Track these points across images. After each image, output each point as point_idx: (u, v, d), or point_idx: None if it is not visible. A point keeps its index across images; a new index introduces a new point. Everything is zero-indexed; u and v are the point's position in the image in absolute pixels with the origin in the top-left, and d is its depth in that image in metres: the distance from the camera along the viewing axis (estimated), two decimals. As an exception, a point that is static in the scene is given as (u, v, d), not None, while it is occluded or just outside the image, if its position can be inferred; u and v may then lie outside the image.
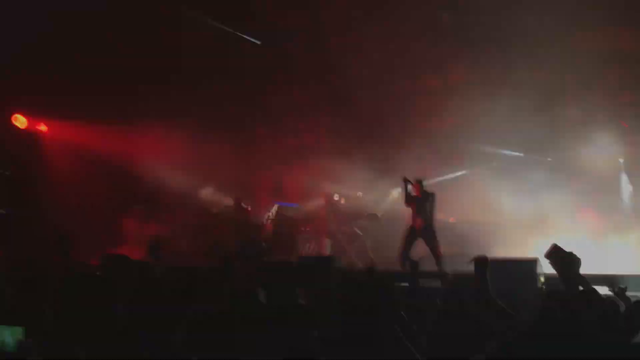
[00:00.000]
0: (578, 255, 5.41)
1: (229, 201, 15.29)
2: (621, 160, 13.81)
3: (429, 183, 11.53)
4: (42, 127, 14.02)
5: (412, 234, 10.22)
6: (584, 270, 5.75)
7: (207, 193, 15.64)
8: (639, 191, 13.60)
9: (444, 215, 12.58)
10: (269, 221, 15.71)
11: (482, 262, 5.14)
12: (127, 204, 14.19)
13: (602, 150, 13.36)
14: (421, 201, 10.24)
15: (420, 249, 10.68)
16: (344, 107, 14.71)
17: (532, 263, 8.09)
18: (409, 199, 10.41)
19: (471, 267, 5.38)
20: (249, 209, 15.10)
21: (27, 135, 13.73)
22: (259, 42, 14.31)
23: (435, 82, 14.16)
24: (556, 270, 5.65)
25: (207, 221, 14.87)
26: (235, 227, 14.41)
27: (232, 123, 14.84)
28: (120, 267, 6.14)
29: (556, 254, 4.79)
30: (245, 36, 14.21)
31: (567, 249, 5.61)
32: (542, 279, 7.70)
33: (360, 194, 15.93)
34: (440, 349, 3.90)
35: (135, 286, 5.91)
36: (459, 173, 15.40)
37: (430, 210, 10.14)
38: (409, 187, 10.39)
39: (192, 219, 14.98)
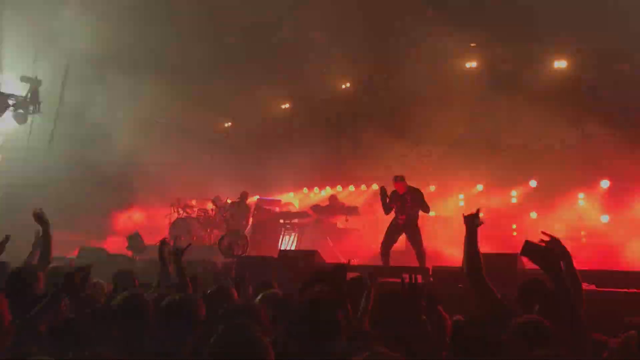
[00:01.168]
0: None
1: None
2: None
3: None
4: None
5: (394, 229, 10.05)
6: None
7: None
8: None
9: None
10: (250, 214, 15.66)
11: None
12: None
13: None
14: (403, 198, 9.99)
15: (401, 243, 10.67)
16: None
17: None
18: (391, 201, 10.08)
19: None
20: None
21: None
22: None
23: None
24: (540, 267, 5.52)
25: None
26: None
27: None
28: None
29: (529, 251, 4.47)
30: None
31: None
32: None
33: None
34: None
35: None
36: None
37: (415, 206, 9.93)
38: (392, 190, 10.16)
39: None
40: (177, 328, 3.46)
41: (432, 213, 10.87)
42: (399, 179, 10.09)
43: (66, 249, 11.52)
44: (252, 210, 15.14)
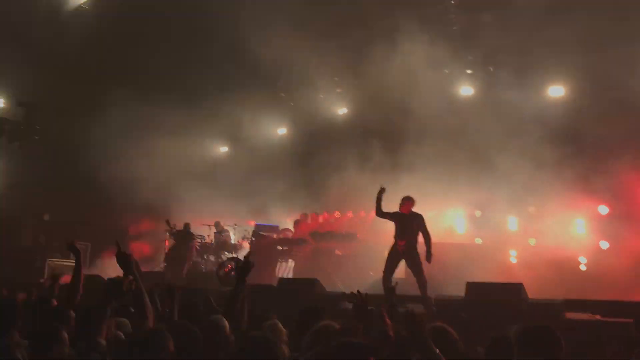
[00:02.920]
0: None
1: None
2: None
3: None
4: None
5: (394, 255, 9.76)
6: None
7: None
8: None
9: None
10: (246, 240, 15.59)
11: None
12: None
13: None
14: (406, 220, 9.73)
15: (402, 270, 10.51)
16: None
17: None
18: (391, 217, 9.82)
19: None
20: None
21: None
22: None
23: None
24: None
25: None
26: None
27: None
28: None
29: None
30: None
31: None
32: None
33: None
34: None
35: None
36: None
37: (416, 232, 9.74)
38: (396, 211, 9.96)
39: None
40: None
41: None
42: (407, 200, 9.80)
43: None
44: (195, 241, 15.14)
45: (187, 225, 15.08)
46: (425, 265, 9.57)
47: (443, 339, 3.79)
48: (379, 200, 9.78)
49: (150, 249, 17.18)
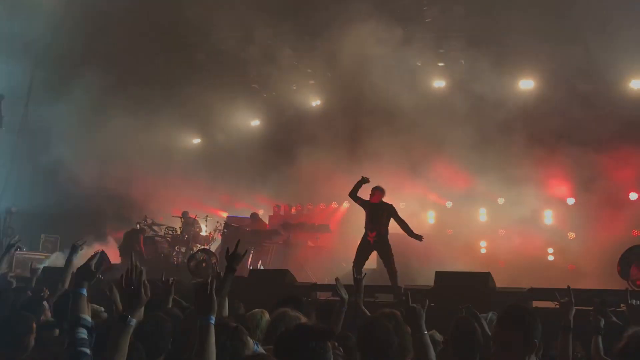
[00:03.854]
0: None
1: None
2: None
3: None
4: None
5: (365, 246, 9.81)
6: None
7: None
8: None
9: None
10: (217, 232, 15.51)
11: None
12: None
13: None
14: (377, 209, 9.76)
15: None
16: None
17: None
18: (362, 204, 9.86)
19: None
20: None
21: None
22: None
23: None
24: None
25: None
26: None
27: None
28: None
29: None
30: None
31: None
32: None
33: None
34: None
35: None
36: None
37: (387, 222, 9.77)
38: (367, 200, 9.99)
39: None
40: None
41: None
42: (377, 190, 9.84)
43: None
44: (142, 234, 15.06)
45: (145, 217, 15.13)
46: (396, 256, 9.65)
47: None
48: (357, 185, 9.84)
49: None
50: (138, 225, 14.99)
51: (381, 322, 3.80)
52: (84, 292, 3.56)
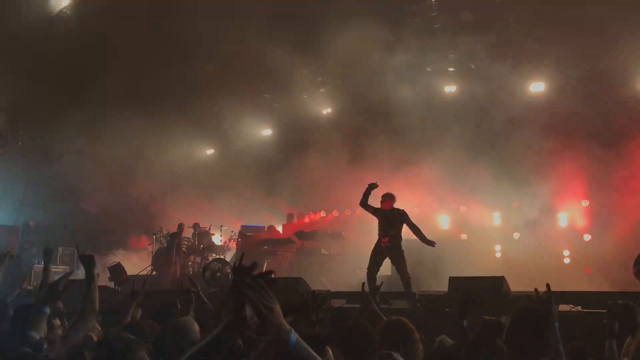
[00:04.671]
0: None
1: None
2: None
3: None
4: None
5: (378, 253, 9.74)
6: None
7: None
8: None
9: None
10: (232, 241, 15.59)
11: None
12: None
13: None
14: (389, 216, 9.74)
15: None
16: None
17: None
18: (374, 213, 9.84)
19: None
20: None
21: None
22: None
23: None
24: None
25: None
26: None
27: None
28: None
29: None
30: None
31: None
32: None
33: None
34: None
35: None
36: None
37: (399, 228, 9.76)
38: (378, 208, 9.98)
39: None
40: None
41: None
42: (388, 197, 9.81)
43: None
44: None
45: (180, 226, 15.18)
46: (409, 262, 9.63)
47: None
48: (366, 192, 9.83)
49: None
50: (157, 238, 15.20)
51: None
52: (47, 310, 3.76)
